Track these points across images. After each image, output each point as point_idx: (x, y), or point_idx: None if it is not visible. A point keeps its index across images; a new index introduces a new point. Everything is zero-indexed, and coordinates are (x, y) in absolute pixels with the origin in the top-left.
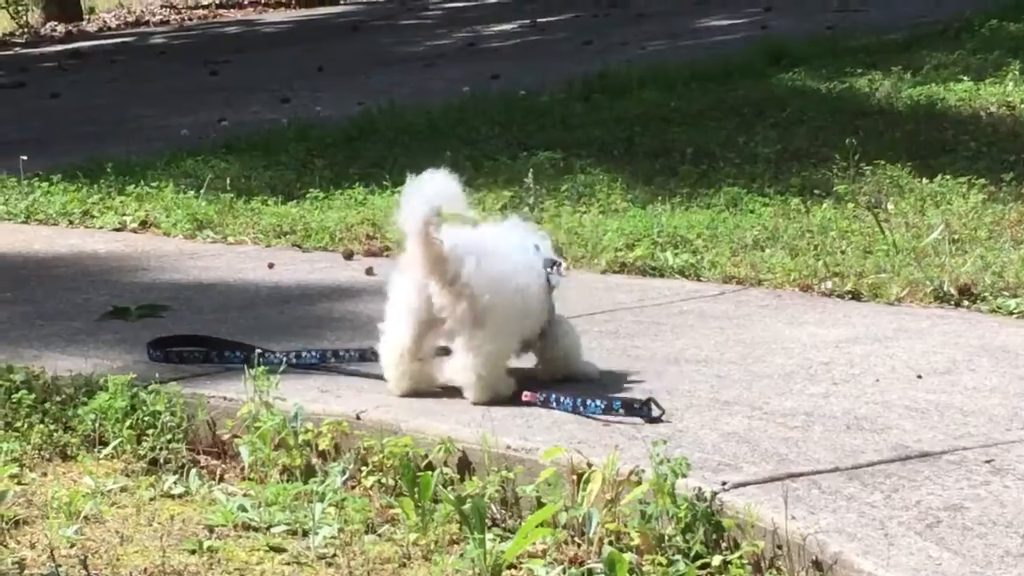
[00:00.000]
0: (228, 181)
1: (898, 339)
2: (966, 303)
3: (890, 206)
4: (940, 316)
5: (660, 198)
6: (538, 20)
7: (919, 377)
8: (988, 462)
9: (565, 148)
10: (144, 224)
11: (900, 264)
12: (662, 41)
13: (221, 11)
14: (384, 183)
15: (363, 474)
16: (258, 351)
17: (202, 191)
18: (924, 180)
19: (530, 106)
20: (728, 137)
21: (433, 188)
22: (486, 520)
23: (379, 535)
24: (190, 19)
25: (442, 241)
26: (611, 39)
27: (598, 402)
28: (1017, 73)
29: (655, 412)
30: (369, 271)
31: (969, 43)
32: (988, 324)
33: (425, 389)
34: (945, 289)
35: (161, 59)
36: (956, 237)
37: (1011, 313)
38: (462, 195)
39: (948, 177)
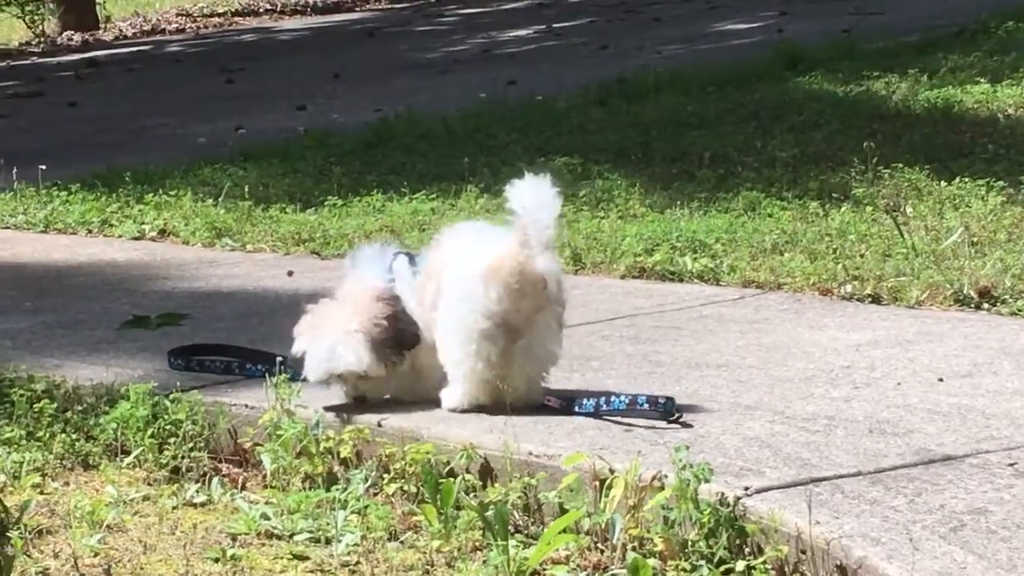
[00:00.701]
0: (246, 189)
1: (918, 342)
2: (986, 306)
3: (908, 209)
4: (960, 319)
5: (678, 203)
6: (554, 25)
7: (940, 380)
8: (1011, 465)
9: (583, 153)
10: (163, 232)
11: (920, 267)
12: (678, 45)
13: (237, 19)
14: (402, 190)
15: (385, 481)
16: (279, 359)
17: (220, 199)
18: (942, 183)
19: (547, 111)
20: (745, 141)
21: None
22: (509, 527)
23: (402, 542)
24: (206, 27)
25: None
26: (627, 43)
27: (623, 398)
28: None
29: (676, 414)
30: None
31: (985, 45)
32: (1009, 327)
33: None
34: (965, 292)
35: (177, 67)
36: (975, 240)
37: (1016, 312)
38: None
39: (966, 180)
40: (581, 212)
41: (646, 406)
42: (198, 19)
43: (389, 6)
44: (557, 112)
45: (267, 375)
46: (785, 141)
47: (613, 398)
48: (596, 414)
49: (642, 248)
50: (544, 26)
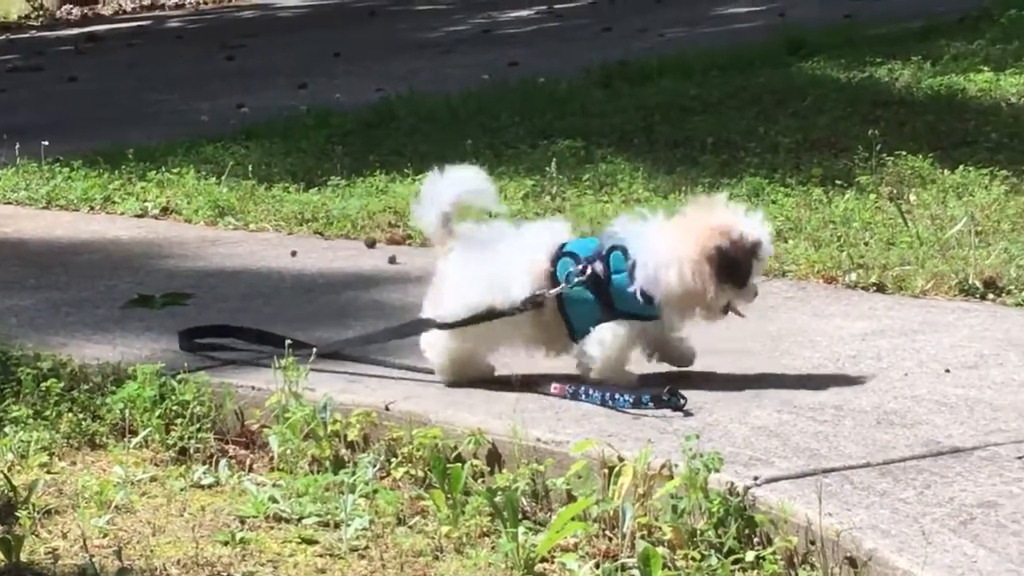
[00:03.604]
0: (249, 168)
1: (924, 332)
2: (991, 296)
3: (912, 197)
4: (966, 309)
5: (682, 188)
6: (555, 6)
7: (947, 371)
8: (1020, 458)
9: (586, 136)
10: (165, 210)
11: (924, 256)
12: (681, 28)
13: None
14: (405, 171)
15: (392, 465)
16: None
17: (223, 177)
18: (946, 171)
19: (549, 94)
20: (748, 126)
21: (453, 181)
22: (518, 513)
23: (410, 527)
24: (206, 3)
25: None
26: (630, 26)
27: (627, 396)
28: None
29: (682, 402)
30: (392, 260)
31: (988, 33)
32: (1014, 318)
33: None
34: (970, 282)
35: (177, 43)
36: (979, 229)
37: None
38: (487, 188)
39: (970, 168)
40: (585, 196)
41: (651, 405)
42: None
43: None
44: (559, 94)
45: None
46: (788, 127)
47: (618, 396)
48: (602, 404)
49: None
50: (546, 7)
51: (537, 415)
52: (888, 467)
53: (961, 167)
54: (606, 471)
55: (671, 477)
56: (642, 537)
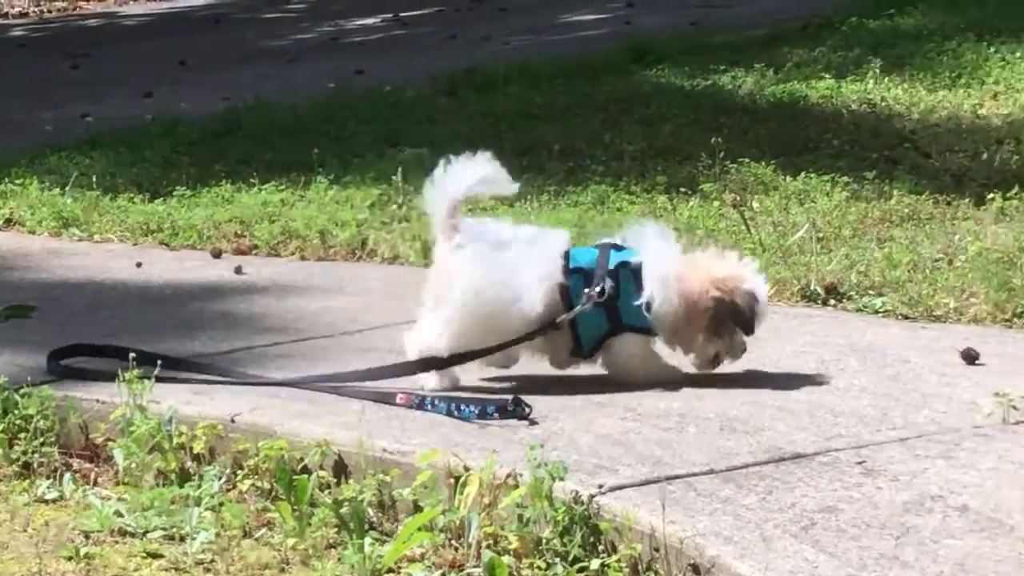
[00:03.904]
0: (93, 178)
1: (767, 338)
2: (833, 302)
3: (755, 204)
4: (808, 315)
5: (528, 196)
6: (401, 14)
7: (789, 377)
8: (860, 463)
9: (432, 144)
10: (9, 222)
11: (767, 263)
12: (526, 36)
13: (81, 3)
14: (251, 180)
15: (239, 478)
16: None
17: (67, 188)
18: (788, 178)
19: (396, 101)
20: (594, 134)
21: (466, 170)
22: (364, 524)
23: (256, 540)
24: (50, 11)
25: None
26: (475, 33)
27: (472, 407)
28: (877, 71)
29: (527, 411)
30: (238, 270)
31: (830, 40)
32: (855, 323)
33: None
34: (812, 288)
35: (21, 52)
36: (821, 235)
37: (876, 312)
38: (500, 176)
39: (812, 175)
40: None
41: (496, 415)
42: (42, 3)
43: None
44: (406, 102)
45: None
46: (633, 134)
47: (464, 407)
48: (448, 415)
49: None
50: (392, 15)
51: (384, 425)
52: (731, 473)
53: (803, 174)
54: (452, 481)
55: (516, 486)
56: (488, 546)
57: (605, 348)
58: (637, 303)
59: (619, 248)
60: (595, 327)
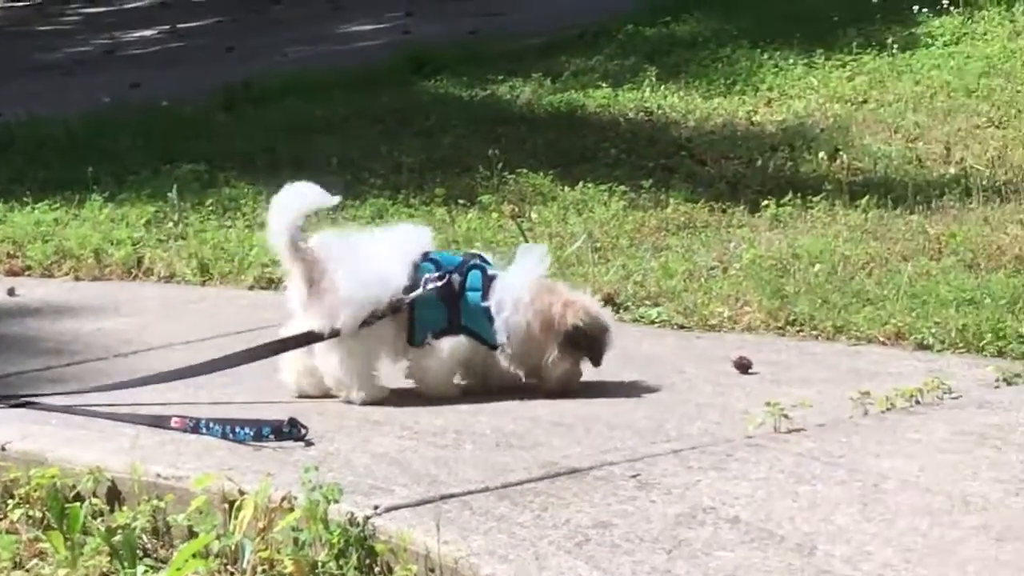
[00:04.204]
0: None
1: None
2: (610, 312)
3: (533, 215)
4: None
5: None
6: (178, 25)
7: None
8: (634, 477)
9: (209, 160)
10: None
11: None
12: (304, 47)
13: None
14: (25, 199)
15: (9, 507)
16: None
17: None
18: (566, 188)
19: (172, 116)
20: (372, 146)
21: (295, 198)
22: (138, 551)
23: (27, 571)
24: None
25: (308, 247)
26: (253, 45)
27: (247, 429)
28: (654, 79)
29: (303, 432)
30: (11, 292)
31: (607, 49)
32: (632, 334)
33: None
34: None
35: None
36: (598, 245)
37: (653, 322)
38: (319, 193)
39: (589, 184)
40: (208, 221)
41: (272, 437)
42: None
43: (7, 3)
44: (183, 117)
45: None
46: (412, 146)
47: (238, 429)
48: (223, 438)
49: (269, 258)
50: (168, 27)
51: (157, 450)
52: (506, 490)
53: (581, 183)
54: (227, 505)
55: (292, 509)
56: (263, 571)
57: (433, 344)
58: (483, 304)
59: (484, 260)
60: (433, 319)
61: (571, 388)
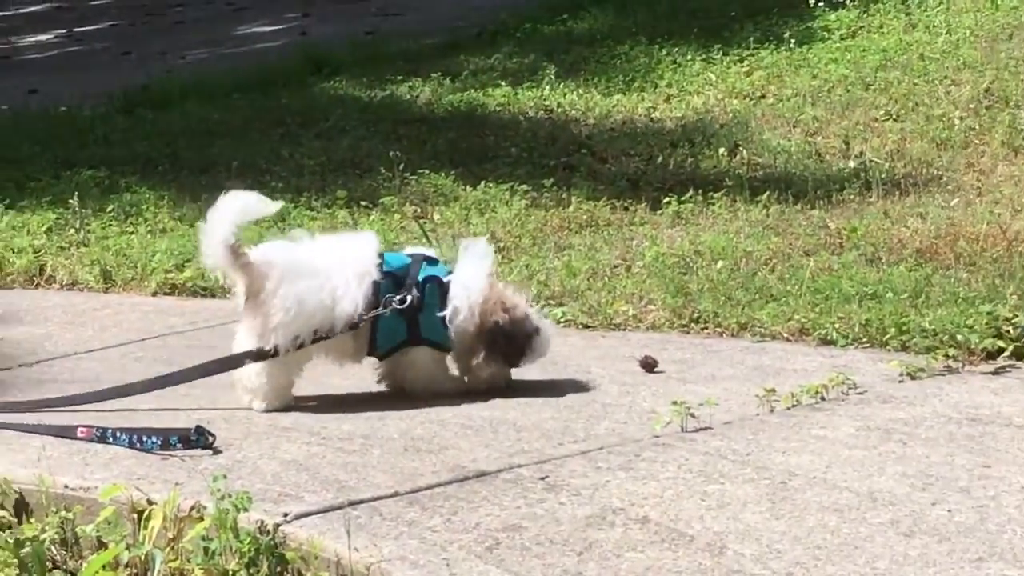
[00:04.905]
0: None
1: None
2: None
3: (436, 215)
4: None
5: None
6: (75, 29)
7: (472, 393)
8: (543, 479)
9: (109, 166)
10: None
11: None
12: (202, 50)
13: None
14: None
15: None
16: None
17: None
18: (468, 188)
19: (71, 122)
20: (273, 149)
21: (232, 207)
22: (47, 564)
23: None
24: None
25: (247, 256)
26: (150, 48)
27: (155, 438)
28: (553, 76)
29: (210, 440)
30: None
31: (505, 47)
32: None
33: None
34: None
35: None
36: (502, 245)
37: (558, 322)
38: (256, 200)
39: (491, 184)
40: (110, 227)
41: (179, 446)
42: None
43: None
44: (81, 122)
45: None
46: (312, 148)
47: (146, 439)
48: (131, 447)
49: (173, 264)
50: (65, 30)
51: (65, 461)
52: (416, 495)
53: (483, 183)
54: (136, 515)
55: (201, 519)
56: None
57: (401, 355)
58: (440, 314)
59: (432, 261)
60: (393, 333)
61: (497, 387)
